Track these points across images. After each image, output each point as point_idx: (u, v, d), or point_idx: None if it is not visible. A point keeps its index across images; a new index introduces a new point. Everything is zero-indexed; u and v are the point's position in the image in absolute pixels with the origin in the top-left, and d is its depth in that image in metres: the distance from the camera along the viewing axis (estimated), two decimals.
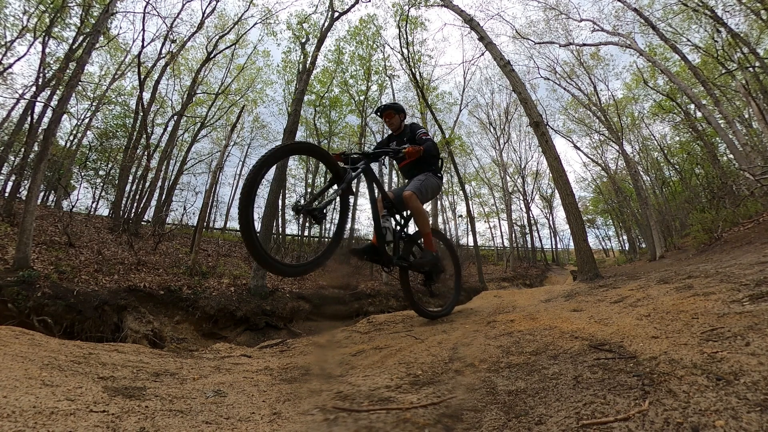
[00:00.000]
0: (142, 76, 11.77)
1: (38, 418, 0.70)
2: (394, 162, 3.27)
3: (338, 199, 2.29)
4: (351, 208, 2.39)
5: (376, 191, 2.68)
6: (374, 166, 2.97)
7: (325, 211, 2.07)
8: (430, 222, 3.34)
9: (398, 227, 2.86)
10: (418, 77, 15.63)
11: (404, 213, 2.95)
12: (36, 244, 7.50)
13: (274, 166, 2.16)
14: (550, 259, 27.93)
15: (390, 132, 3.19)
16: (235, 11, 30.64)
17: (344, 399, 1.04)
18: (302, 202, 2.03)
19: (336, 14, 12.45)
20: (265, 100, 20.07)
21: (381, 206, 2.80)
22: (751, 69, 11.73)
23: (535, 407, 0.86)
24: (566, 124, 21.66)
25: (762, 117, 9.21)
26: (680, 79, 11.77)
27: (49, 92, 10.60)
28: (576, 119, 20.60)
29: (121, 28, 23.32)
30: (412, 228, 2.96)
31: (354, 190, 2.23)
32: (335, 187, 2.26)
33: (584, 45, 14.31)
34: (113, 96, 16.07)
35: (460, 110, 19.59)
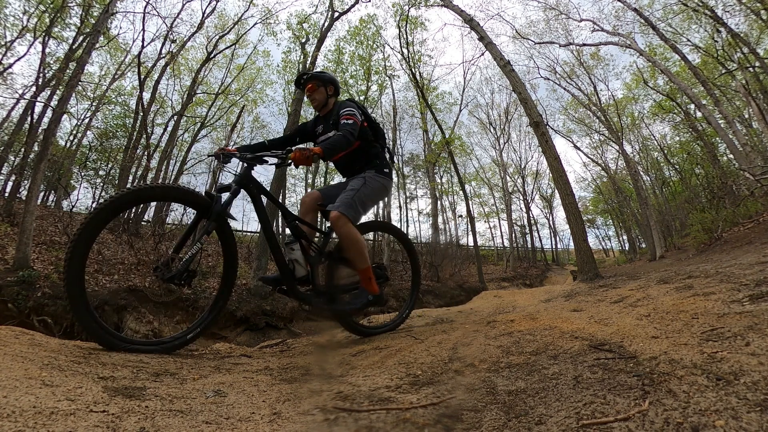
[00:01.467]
0: (142, 76, 11.77)
1: (38, 418, 0.70)
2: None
3: (216, 234, 1.76)
4: (234, 239, 1.84)
5: (278, 210, 2.04)
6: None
7: (190, 269, 1.63)
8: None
9: (314, 248, 2.11)
10: (418, 77, 15.63)
11: (325, 227, 2.25)
12: (36, 244, 7.50)
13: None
14: (550, 259, 27.94)
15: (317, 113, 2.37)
16: (235, 11, 30.68)
17: (344, 399, 1.04)
18: (163, 264, 1.61)
19: (336, 14, 12.46)
20: (265, 100, 20.11)
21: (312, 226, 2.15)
22: (751, 69, 11.73)
23: (535, 407, 0.86)
24: (566, 124, 21.72)
25: (762, 117, 9.22)
26: (680, 79, 11.78)
27: (49, 92, 10.60)
28: (576, 119, 20.63)
29: (121, 28, 23.34)
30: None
31: (231, 212, 1.80)
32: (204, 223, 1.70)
33: (584, 45, 14.31)
34: (113, 96, 16.06)
35: (460, 110, 19.63)
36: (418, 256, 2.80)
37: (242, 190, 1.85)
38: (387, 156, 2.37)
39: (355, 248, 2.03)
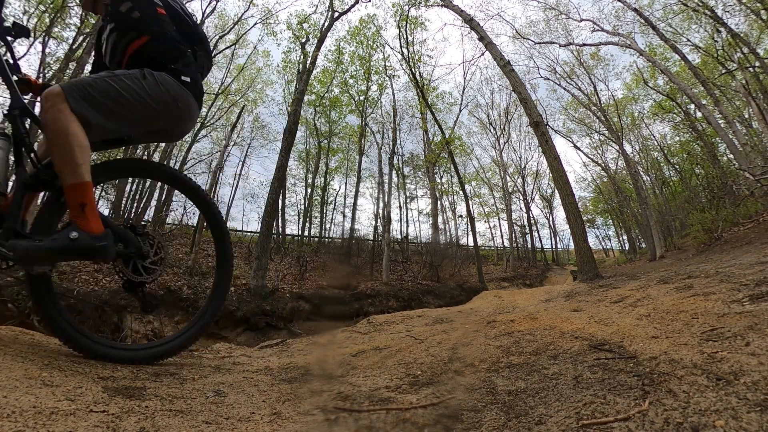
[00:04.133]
0: None
1: (38, 418, 0.70)
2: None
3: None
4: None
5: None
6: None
7: None
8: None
9: (35, 160, 1.28)
10: (418, 77, 15.63)
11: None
12: None
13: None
14: (550, 259, 27.91)
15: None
16: (235, 11, 30.65)
17: (345, 399, 1.04)
18: None
19: (336, 14, 12.48)
20: (265, 100, 20.09)
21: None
22: (751, 69, 11.72)
23: (535, 407, 0.86)
24: (566, 124, 21.72)
25: (762, 117, 9.22)
26: (680, 79, 11.78)
27: None
28: (576, 119, 20.63)
29: None
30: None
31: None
32: None
33: (584, 45, 14.32)
34: None
35: (460, 110, 19.66)
36: (228, 232, 1.69)
37: None
38: (189, 55, 1.51)
39: (61, 143, 1.16)
